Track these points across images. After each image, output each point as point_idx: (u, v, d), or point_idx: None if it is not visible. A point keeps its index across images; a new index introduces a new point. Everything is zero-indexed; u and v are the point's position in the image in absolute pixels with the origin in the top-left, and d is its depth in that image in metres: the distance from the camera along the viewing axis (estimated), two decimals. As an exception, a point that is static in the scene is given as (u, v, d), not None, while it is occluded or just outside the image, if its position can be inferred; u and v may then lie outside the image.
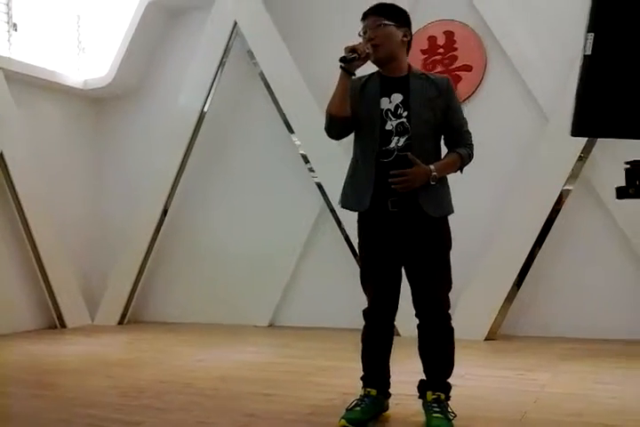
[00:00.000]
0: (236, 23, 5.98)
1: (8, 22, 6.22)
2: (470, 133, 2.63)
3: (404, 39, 2.54)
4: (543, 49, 4.99)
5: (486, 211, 5.12)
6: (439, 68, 5.32)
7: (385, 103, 2.51)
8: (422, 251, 2.49)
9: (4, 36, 6.19)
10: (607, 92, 1.32)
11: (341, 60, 2.40)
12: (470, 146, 2.61)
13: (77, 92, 6.78)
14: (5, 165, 5.76)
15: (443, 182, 2.56)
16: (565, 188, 4.80)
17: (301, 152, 5.70)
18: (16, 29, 6.27)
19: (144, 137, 6.70)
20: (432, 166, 2.44)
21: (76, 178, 6.79)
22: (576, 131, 1.42)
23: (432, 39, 5.35)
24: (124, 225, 6.52)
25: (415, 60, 5.38)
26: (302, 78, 5.63)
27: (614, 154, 4.55)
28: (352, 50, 2.40)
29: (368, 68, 2.57)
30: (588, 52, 1.30)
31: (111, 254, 6.61)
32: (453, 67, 5.30)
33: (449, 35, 5.32)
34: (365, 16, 2.52)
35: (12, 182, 5.80)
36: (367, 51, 2.42)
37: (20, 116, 5.96)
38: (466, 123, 2.62)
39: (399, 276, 2.57)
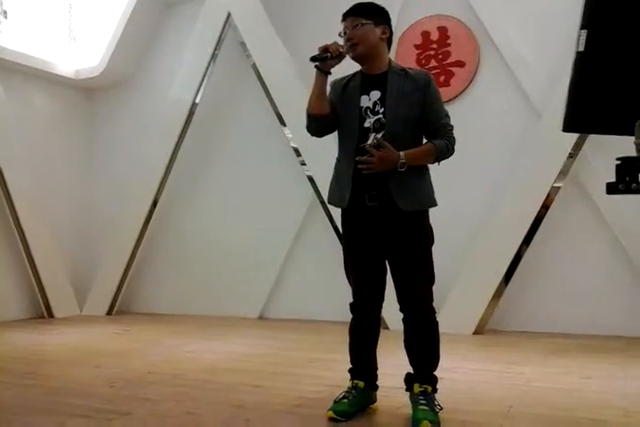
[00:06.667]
0: (229, 14, 5.95)
1: (-1, 10, 6.16)
2: (451, 127, 2.55)
3: (383, 36, 2.56)
4: (536, 46, 5.01)
5: (476, 206, 5.15)
6: (433, 64, 5.33)
7: (364, 101, 2.53)
8: (400, 246, 2.49)
9: (-5, 24, 6.13)
10: (599, 89, 1.33)
11: (311, 58, 2.45)
12: (449, 138, 2.52)
13: (69, 81, 6.73)
14: (-6, 155, 5.72)
15: (419, 174, 2.52)
16: (555, 185, 4.83)
17: (293, 145, 5.69)
18: (6, 17, 6.22)
19: (135, 128, 6.67)
20: (401, 153, 2.41)
21: (66, 168, 6.76)
22: (568, 126, 1.43)
23: (425, 34, 5.35)
24: (113, 216, 6.50)
25: (409, 54, 5.39)
26: (295, 71, 5.61)
27: (604, 151, 4.58)
28: (324, 49, 2.44)
29: (351, 68, 2.61)
30: (581, 49, 1.30)
31: (100, 245, 6.59)
32: (447, 62, 5.31)
33: (442, 30, 5.33)
34: (344, 17, 2.56)
35: (0, 172, 5.76)
36: (340, 50, 2.45)
37: (9, 106, 5.91)
38: (446, 116, 2.55)
39: (382, 269, 2.57)
